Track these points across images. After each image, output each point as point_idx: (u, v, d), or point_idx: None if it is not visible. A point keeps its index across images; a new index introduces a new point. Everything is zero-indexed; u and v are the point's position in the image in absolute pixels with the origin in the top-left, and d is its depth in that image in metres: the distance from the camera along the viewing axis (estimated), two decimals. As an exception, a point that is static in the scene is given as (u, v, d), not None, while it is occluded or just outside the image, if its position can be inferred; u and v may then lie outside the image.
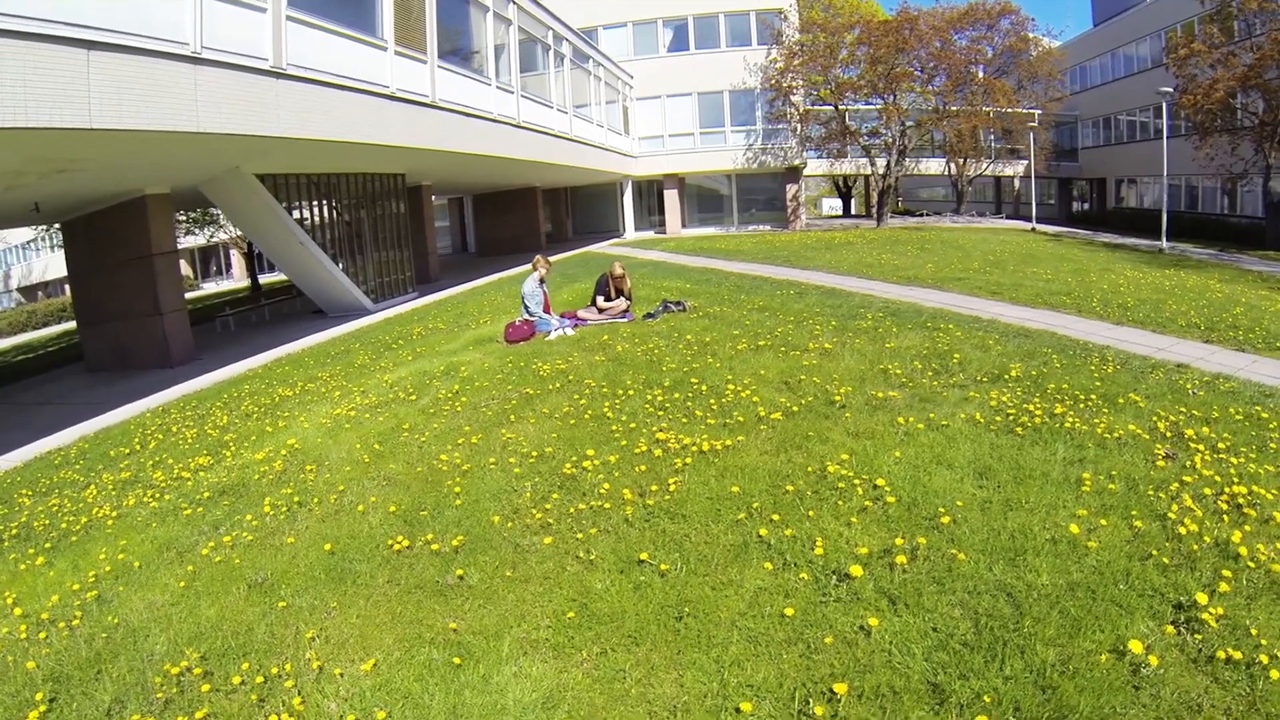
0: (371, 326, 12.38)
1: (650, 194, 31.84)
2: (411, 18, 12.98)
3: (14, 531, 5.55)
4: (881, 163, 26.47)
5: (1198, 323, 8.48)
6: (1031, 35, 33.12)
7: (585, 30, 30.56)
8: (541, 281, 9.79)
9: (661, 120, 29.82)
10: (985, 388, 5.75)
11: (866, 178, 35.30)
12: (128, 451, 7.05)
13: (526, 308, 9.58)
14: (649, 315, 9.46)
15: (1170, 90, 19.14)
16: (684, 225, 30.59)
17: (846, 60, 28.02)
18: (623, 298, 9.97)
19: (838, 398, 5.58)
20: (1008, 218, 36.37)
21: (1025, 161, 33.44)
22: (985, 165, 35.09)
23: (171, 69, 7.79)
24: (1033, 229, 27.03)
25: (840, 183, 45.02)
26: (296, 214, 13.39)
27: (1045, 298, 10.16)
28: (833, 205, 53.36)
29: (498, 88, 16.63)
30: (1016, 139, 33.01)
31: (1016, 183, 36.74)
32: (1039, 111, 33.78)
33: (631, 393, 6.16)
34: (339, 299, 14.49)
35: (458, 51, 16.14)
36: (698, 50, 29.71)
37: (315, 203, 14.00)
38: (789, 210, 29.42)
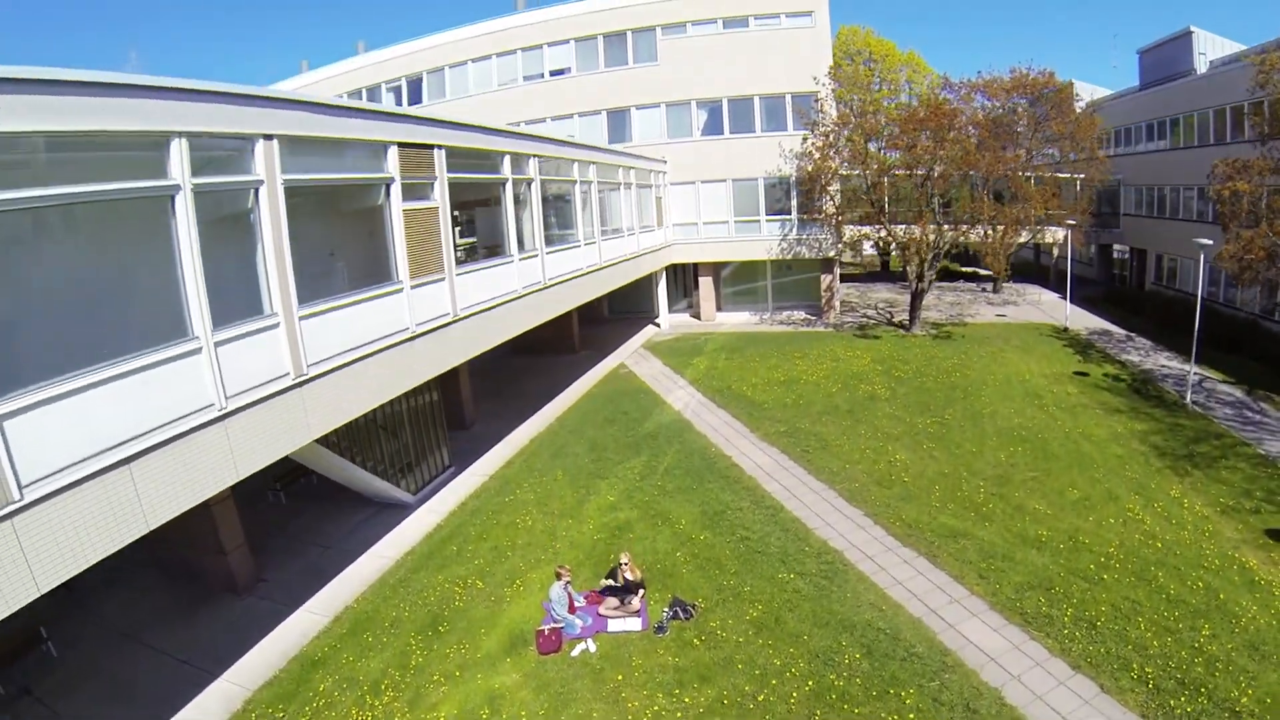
0: (414, 561, 13.50)
1: (686, 272, 32.65)
2: (426, 243, 13.04)
3: None
4: (915, 265, 26.64)
5: (1150, 672, 9.28)
6: (1078, 108, 32.44)
7: (616, 110, 31.42)
8: (566, 584, 11.14)
9: (696, 207, 30.54)
10: None
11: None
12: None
13: (553, 613, 10.95)
14: (659, 628, 10.70)
15: (1209, 243, 18.72)
16: (719, 309, 31.52)
17: (883, 154, 28.01)
18: (636, 592, 11.25)
19: None
20: (1048, 287, 36.11)
21: (1065, 231, 33.06)
22: (1025, 237, 34.74)
23: (204, 438, 8.27)
24: (1065, 328, 27.22)
25: (879, 242, 44.84)
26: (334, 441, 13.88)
27: (1026, 594, 11.01)
28: (870, 248, 53.20)
29: (521, 260, 16.89)
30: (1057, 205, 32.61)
31: (1056, 250, 36.23)
32: (1081, 177, 33.36)
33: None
34: (380, 495, 15.80)
35: (476, 242, 16.33)
36: (732, 134, 30.22)
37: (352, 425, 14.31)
38: (824, 300, 29.97)
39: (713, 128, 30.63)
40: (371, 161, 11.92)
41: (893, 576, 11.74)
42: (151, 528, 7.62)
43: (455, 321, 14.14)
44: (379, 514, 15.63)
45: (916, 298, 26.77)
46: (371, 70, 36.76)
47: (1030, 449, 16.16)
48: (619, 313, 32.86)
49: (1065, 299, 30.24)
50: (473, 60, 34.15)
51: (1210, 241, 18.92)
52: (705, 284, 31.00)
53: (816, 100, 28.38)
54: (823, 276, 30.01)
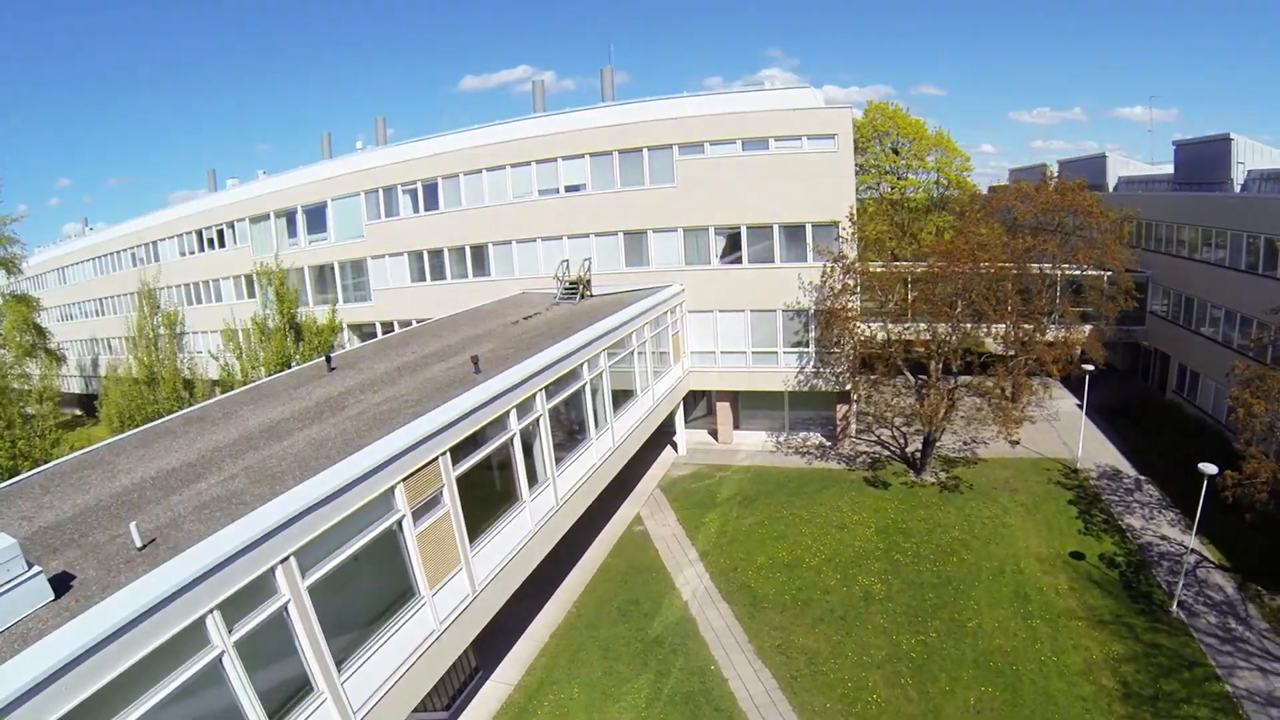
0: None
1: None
2: (442, 548, 13.53)
3: None
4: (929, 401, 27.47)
5: None
6: (1110, 184, 32.29)
7: (633, 232, 32.22)
8: None
9: (714, 336, 31.50)
10: None
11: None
12: None
13: None
14: None
15: (1213, 470, 18.52)
16: (736, 427, 32.82)
17: (900, 301, 28.48)
18: None
19: None
20: (1069, 384, 36.15)
21: (1089, 327, 33.09)
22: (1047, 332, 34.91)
23: None
24: (1076, 469, 27.91)
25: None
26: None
27: None
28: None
29: (532, 501, 17.54)
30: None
31: (1079, 350, 36.18)
32: (1109, 273, 33.24)
33: None
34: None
35: (490, 501, 16.38)
36: (750, 264, 30.84)
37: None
38: (839, 428, 31.04)
39: (731, 255, 31.32)
40: (381, 510, 12.41)
41: None
42: None
43: (476, 598, 15.15)
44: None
45: (928, 444, 27.67)
46: (389, 170, 37.05)
47: (1000, 689, 17.33)
48: (640, 428, 34.48)
49: (1082, 409, 30.49)
50: (488, 169, 34.38)
51: (1215, 469, 18.94)
52: (723, 408, 32.32)
53: (838, 238, 28.90)
54: (839, 406, 30.98)
